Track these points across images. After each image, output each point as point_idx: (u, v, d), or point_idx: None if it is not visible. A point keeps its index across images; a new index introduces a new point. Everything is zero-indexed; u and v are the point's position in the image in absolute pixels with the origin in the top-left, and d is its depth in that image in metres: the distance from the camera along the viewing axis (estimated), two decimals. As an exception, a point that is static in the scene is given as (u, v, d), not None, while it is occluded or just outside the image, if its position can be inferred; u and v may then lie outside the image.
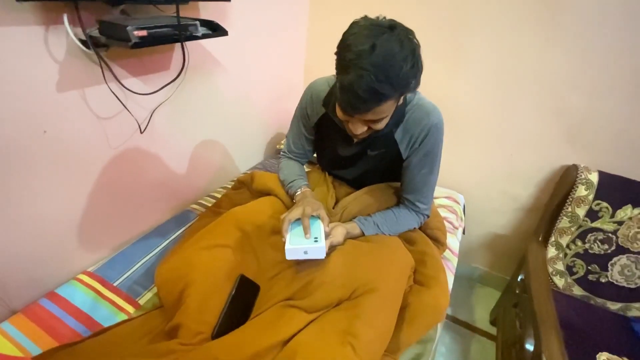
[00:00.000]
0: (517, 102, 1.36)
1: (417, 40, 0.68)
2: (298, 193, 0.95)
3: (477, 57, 1.37)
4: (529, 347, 1.10)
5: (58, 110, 0.78)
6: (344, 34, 0.68)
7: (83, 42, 0.75)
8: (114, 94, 0.85)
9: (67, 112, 0.80)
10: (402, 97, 0.74)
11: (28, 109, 0.73)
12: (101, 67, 0.80)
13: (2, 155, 0.72)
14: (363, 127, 0.76)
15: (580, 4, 1.15)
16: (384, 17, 0.69)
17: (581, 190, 1.26)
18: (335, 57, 0.69)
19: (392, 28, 0.65)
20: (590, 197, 1.26)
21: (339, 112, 0.77)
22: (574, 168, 1.30)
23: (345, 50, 0.65)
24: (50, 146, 0.79)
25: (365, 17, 0.69)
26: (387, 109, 0.70)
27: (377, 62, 0.62)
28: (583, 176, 1.26)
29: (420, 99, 0.86)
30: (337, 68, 0.69)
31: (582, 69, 1.22)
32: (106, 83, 0.83)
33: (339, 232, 0.85)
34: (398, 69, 0.64)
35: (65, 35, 0.74)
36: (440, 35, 1.39)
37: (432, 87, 1.45)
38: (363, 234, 0.90)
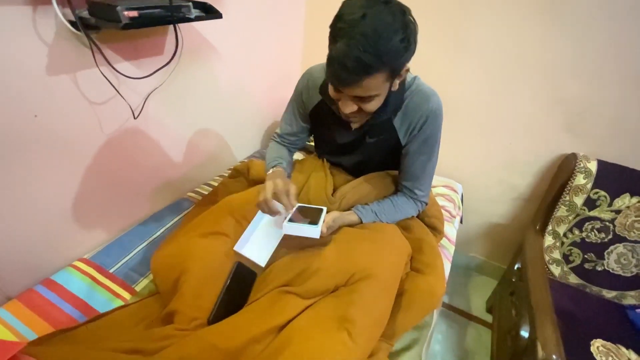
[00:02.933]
0: (517, 90, 1.35)
1: (413, 18, 0.66)
2: (269, 172, 0.93)
3: (477, 43, 1.34)
4: (524, 333, 1.11)
5: (48, 94, 0.77)
6: (340, 6, 0.66)
7: (72, 23, 0.73)
8: (105, 77, 0.83)
9: (57, 96, 0.78)
10: (394, 78, 0.71)
11: (17, 92, 0.72)
12: (92, 50, 0.78)
13: (-7, 139, 0.70)
14: (353, 106, 0.73)
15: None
16: None
17: (579, 179, 1.26)
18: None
19: (387, 2, 0.63)
20: (589, 185, 1.25)
21: (330, 90, 0.75)
22: (573, 157, 1.30)
23: (337, 20, 0.64)
24: (42, 131, 0.78)
25: None
26: (375, 86, 0.68)
27: (366, 31, 0.60)
28: (582, 165, 1.26)
29: (419, 85, 0.85)
30: (329, 40, 0.67)
31: (582, 56, 1.20)
32: (97, 67, 0.81)
33: (333, 216, 0.85)
34: (387, 41, 0.61)
35: (54, 16, 0.72)
36: (439, 21, 1.36)
37: (431, 74, 1.43)
38: (361, 222, 0.90)
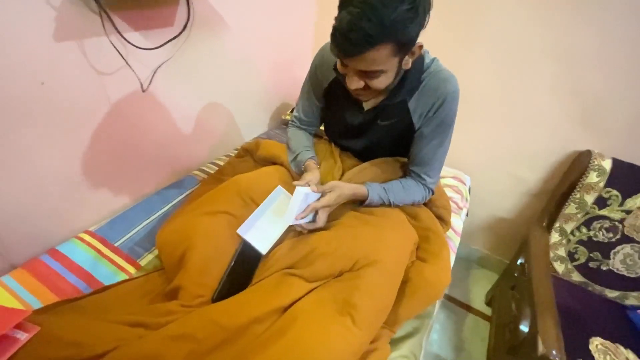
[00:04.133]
0: (532, 81, 1.30)
1: None
2: (306, 163, 0.94)
3: (492, 30, 1.28)
4: (524, 328, 1.12)
5: (55, 62, 0.74)
6: None
7: (81, -13, 0.70)
8: (114, 47, 0.81)
9: (64, 64, 0.76)
10: (403, 54, 0.68)
11: (24, 58, 0.70)
12: (101, 17, 0.75)
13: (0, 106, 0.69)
14: (359, 82, 0.71)
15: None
16: None
17: (592, 177, 1.23)
18: None
19: None
20: (601, 184, 1.23)
21: (338, 64, 0.72)
22: (587, 154, 1.27)
23: None
24: (49, 99, 0.76)
25: None
26: (380, 59, 0.65)
27: (370, 1, 0.58)
28: (596, 162, 1.23)
29: (438, 67, 0.82)
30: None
31: (606, 47, 1.14)
32: (106, 35, 0.79)
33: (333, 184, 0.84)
34: (391, 10, 0.58)
35: (62, -21, 0.69)
36: (452, 4, 1.30)
37: (442, 61, 1.38)
38: (367, 196, 0.87)
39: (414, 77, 0.78)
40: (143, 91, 0.94)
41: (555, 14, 1.17)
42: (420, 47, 0.70)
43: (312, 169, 0.91)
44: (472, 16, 1.30)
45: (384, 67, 0.67)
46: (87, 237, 0.91)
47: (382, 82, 0.71)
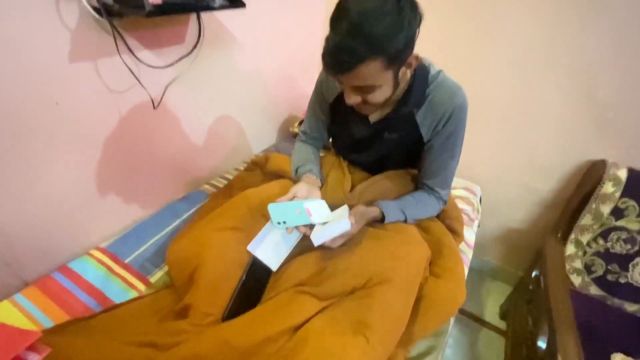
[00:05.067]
0: (543, 90, 1.28)
1: (413, 1, 0.63)
2: (302, 177, 0.92)
3: (503, 39, 1.27)
4: (541, 344, 1.08)
5: (69, 81, 0.76)
6: None
7: (96, 10, 0.72)
8: (127, 66, 0.82)
9: (78, 84, 0.78)
10: (397, 66, 0.68)
11: (39, 78, 0.71)
12: (114, 38, 0.77)
13: (15, 125, 0.70)
14: (356, 98, 0.72)
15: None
16: None
17: (608, 187, 1.20)
18: None
19: None
20: (617, 194, 1.20)
21: (336, 81, 0.73)
22: (602, 163, 1.24)
23: (334, 10, 0.63)
24: (63, 117, 0.77)
25: None
26: (371, 75, 0.65)
27: (353, 18, 0.59)
28: (611, 172, 1.20)
29: (444, 79, 0.81)
30: None
31: (621, 54, 1.12)
32: (119, 55, 0.80)
33: (359, 211, 0.81)
34: (374, 26, 0.59)
35: (78, 3, 0.71)
36: (460, 13, 1.30)
37: (449, 70, 1.38)
38: (382, 218, 0.85)
39: (419, 89, 0.78)
40: (154, 108, 0.95)
41: (567, 21, 1.16)
42: (417, 58, 0.71)
43: (304, 181, 0.87)
44: (482, 25, 1.29)
45: (378, 81, 0.67)
46: (98, 254, 0.91)
47: (378, 96, 0.71)
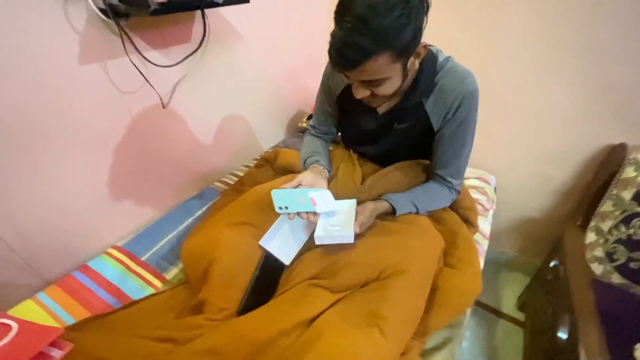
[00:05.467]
0: (558, 75, 1.24)
1: None
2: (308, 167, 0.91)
3: (513, 23, 1.23)
4: (562, 335, 1.05)
5: (81, 84, 0.77)
6: None
7: (103, 11, 0.73)
8: (135, 66, 0.83)
9: (89, 85, 0.79)
10: (405, 58, 0.66)
11: (52, 82, 0.73)
12: (121, 38, 0.77)
13: (30, 129, 0.72)
14: (365, 92, 0.70)
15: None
16: None
17: (629, 172, 1.16)
18: None
19: None
20: (639, 179, 1.15)
21: (344, 76, 0.71)
22: (622, 147, 1.19)
23: (337, 5, 0.61)
24: (76, 119, 0.79)
25: None
26: (379, 69, 0.63)
27: (359, 12, 0.57)
28: (632, 156, 1.15)
29: (454, 65, 0.79)
30: None
31: (633, 37, 1.08)
32: (127, 55, 0.81)
33: (368, 208, 0.81)
34: (381, 19, 0.57)
35: (85, 5, 0.72)
36: (472, 5, 1.27)
37: (460, 58, 1.34)
38: (394, 211, 0.85)
39: (427, 77, 0.76)
40: (164, 107, 0.96)
41: (577, 8, 1.12)
42: (425, 47, 0.69)
43: (309, 171, 0.86)
44: (490, 13, 1.26)
45: (386, 74, 0.66)
46: (115, 253, 0.93)
47: (387, 88, 0.70)
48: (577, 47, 1.17)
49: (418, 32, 0.63)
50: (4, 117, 0.68)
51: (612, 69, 1.15)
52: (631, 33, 1.08)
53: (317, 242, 0.75)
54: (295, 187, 0.77)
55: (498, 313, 1.51)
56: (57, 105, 0.75)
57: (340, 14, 0.60)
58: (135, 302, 0.80)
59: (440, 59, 0.78)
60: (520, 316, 1.48)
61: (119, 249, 0.95)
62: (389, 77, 0.67)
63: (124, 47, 0.79)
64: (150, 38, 0.87)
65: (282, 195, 0.73)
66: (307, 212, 0.75)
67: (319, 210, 0.74)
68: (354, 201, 0.84)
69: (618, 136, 1.24)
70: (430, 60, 0.76)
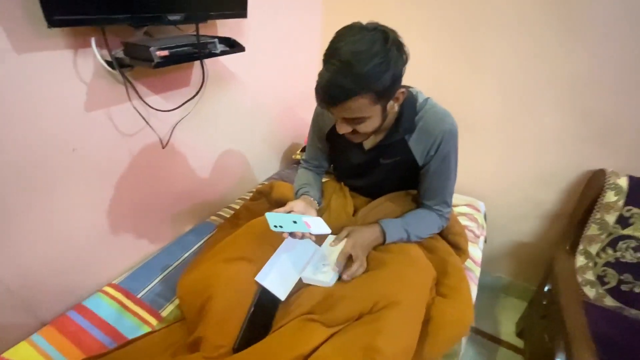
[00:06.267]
0: (539, 105, 1.33)
1: (398, 43, 0.69)
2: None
3: (495, 58, 1.34)
4: (560, 361, 1.05)
5: (85, 129, 0.82)
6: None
7: (109, 63, 0.78)
8: (137, 111, 0.88)
9: (94, 130, 0.84)
10: (385, 100, 0.73)
11: (58, 128, 0.77)
12: (126, 86, 0.83)
13: (33, 173, 0.75)
14: (347, 127, 0.77)
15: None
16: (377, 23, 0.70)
17: (610, 196, 1.21)
18: None
19: (372, 29, 0.67)
20: (620, 203, 1.20)
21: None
22: (602, 173, 1.25)
23: (327, 48, 0.69)
24: (78, 163, 0.83)
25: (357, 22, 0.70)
26: (360, 108, 0.70)
27: (344, 57, 0.64)
28: (611, 181, 1.21)
29: (432, 106, 0.86)
30: None
31: (603, 68, 1.18)
32: (130, 101, 0.86)
33: (350, 243, 0.85)
34: (363, 65, 0.64)
35: (93, 58, 0.78)
36: (455, 37, 1.38)
37: (449, 91, 1.42)
38: (385, 237, 0.88)
39: (408, 117, 0.84)
40: (163, 147, 1.01)
41: (549, 43, 1.23)
42: (404, 92, 0.77)
43: (300, 199, 0.91)
44: (475, 51, 1.36)
45: (367, 114, 0.73)
46: (111, 291, 0.93)
47: (368, 126, 0.76)
48: (555, 78, 1.27)
49: (396, 79, 0.70)
50: (10, 161, 0.71)
51: (588, 98, 1.24)
52: (605, 64, 1.18)
53: (303, 280, 0.83)
54: (288, 212, 0.81)
55: (497, 341, 1.50)
56: (61, 149, 0.79)
57: (328, 57, 0.68)
58: (130, 342, 0.80)
59: (420, 99, 0.85)
60: (519, 343, 1.47)
61: (115, 286, 0.95)
62: (369, 117, 0.74)
63: (127, 94, 0.85)
64: (152, 84, 0.93)
65: (276, 217, 0.77)
66: (302, 232, 0.78)
67: (313, 231, 0.77)
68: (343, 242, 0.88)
69: (598, 162, 1.30)
70: (411, 101, 0.84)
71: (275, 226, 0.77)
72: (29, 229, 0.78)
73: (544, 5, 1.20)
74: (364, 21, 0.70)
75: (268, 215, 0.76)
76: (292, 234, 0.78)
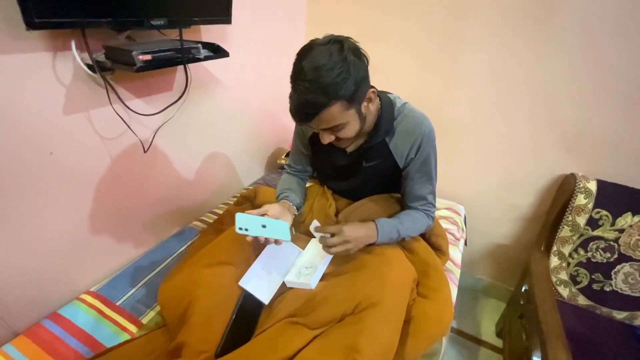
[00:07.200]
0: (513, 112, 1.39)
1: (354, 48, 0.73)
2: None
3: (472, 68, 1.40)
4: (536, 359, 1.09)
5: (64, 132, 0.80)
6: None
7: (89, 66, 0.78)
8: (118, 115, 0.87)
9: (72, 134, 0.82)
10: (357, 104, 0.76)
11: (35, 131, 0.75)
12: (106, 90, 0.82)
13: (8, 176, 0.73)
14: (330, 136, 0.80)
15: (570, 16, 1.19)
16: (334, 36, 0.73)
17: (580, 199, 1.27)
18: None
19: (327, 42, 0.71)
20: (590, 205, 1.26)
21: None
22: (572, 177, 1.32)
23: (292, 71, 0.73)
24: (56, 167, 0.81)
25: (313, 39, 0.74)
26: (335, 116, 0.73)
27: (308, 75, 0.69)
28: (581, 185, 1.27)
29: (410, 110, 0.90)
30: None
31: (574, 78, 1.25)
32: (111, 105, 0.85)
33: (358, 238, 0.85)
34: (326, 77, 0.68)
35: (72, 60, 0.77)
36: (435, 47, 1.43)
37: (428, 98, 1.46)
38: (377, 231, 0.88)
39: (387, 120, 0.87)
40: (145, 152, 1.00)
41: (524, 53, 1.29)
42: (374, 91, 0.81)
43: (278, 204, 0.91)
44: (452, 59, 1.42)
45: (343, 120, 0.76)
46: (88, 298, 0.91)
47: (348, 131, 0.79)
48: (527, 87, 1.33)
49: (360, 81, 0.74)
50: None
51: (557, 107, 1.31)
52: (570, 75, 1.25)
53: (287, 284, 0.85)
54: (262, 215, 0.81)
55: (478, 341, 1.53)
56: (37, 153, 0.77)
57: (295, 78, 0.72)
58: (109, 350, 0.78)
59: (398, 104, 0.89)
60: (499, 343, 1.51)
61: (92, 294, 0.92)
62: (346, 122, 0.77)
63: (108, 97, 0.84)
64: (134, 88, 0.92)
65: (245, 219, 0.77)
66: (265, 237, 0.79)
67: (276, 237, 0.79)
68: (329, 257, 0.88)
69: (568, 166, 1.37)
70: (388, 105, 0.88)
71: (241, 228, 0.77)
72: (1, 235, 0.75)
73: (516, 20, 1.26)
74: (348, 30, 0.73)
75: (238, 215, 0.77)
76: (255, 239, 0.79)
